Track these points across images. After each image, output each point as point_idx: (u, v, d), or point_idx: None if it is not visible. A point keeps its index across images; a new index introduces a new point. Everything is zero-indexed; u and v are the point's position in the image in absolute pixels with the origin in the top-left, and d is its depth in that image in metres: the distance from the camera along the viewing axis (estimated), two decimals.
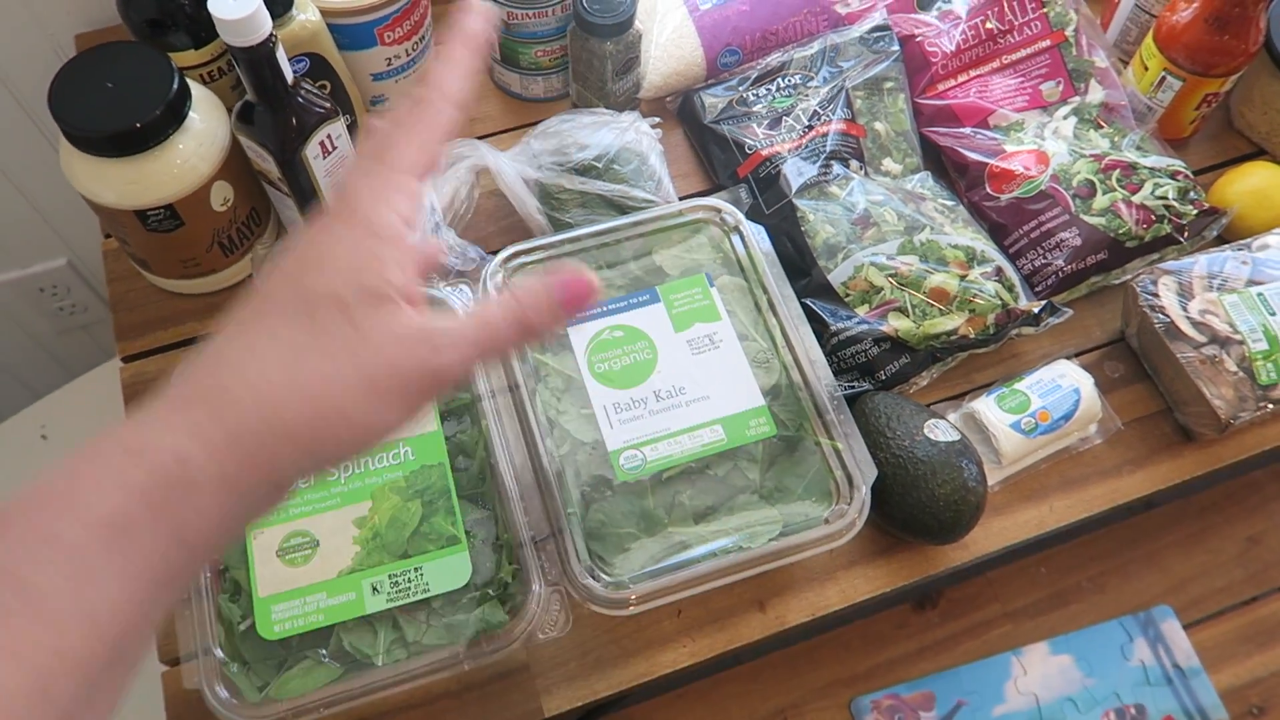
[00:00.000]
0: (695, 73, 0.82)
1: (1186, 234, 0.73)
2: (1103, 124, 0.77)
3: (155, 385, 0.65)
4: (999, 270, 0.70)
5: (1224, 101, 0.82)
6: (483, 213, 0.78)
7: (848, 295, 0.69)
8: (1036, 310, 0.69)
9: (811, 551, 0.58)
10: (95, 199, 0.64)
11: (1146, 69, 0.78)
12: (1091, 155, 0.74)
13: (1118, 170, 0.73)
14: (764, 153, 0.75)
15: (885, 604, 0.99)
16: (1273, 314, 0.67)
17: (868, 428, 0.64)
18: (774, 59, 0.81)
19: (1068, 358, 0.71)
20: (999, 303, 0.68)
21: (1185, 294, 0.69)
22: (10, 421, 1.06)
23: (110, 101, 0.61)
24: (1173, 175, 0.74)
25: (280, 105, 0.62)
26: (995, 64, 0.79)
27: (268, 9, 0.64)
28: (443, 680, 0.61)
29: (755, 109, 0.79)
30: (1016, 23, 0.79)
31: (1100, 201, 0.72)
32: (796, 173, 0.73)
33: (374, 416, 0.31)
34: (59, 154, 0.64)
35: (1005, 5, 0.79)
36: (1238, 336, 0.66)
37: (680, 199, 0.77)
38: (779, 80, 0.80)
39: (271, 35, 0.58)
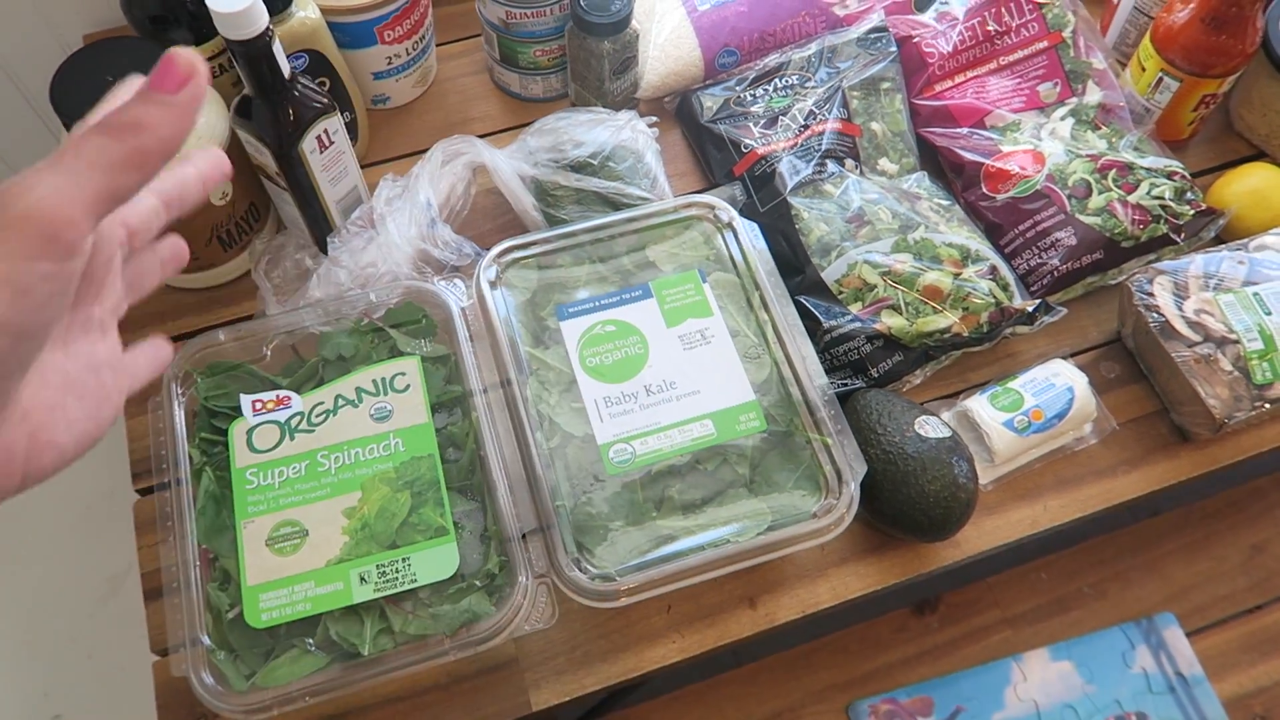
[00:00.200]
0: (693, 73, 0.82)
1: (1183, 234, 0.73)
2: (1100, 125, 0.77)
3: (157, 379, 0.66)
4: (993, 269, 0.70)
5: (1223, 103, 0.82)
6: (479, 210, 0.78)
7: (841, 293, 0.69)
8: (1031, 309, 0.69)
9: (800, 546, 0.58)
10: None
11: (1144, 70, 0.78)
12: (1088, 155, 0.74)
13: (1114, 170, 0.73)
14: (760, 151, 0.75)
15: (883, 608, 0.98)
16: (1269, 314, 0.66)
17: (859, 424, 0.64)
18: (772, 60, 0.81)
19: (1063, 357, 0.71)
20: (993, 301, 0.68)
21: (1180, 293, 0.68)
22: None
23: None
24: (1169, 176, 0.73)
25: (277, 99, 0.63)
26: (992, 65, 0.79)
27: (267, 5, 0.65)
28: (431, 672, 0.61)
29: (752, 109, 0.79)
30: (1014, 24, 0.79)
31: (1096, 201, 0.72)
32: (791, 171, 0.74)
33: None
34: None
35: (1003, 7, 0.79)
36: (1233, 336, 0.66)
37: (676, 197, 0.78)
38: (776, 81, 0.80)
39: (268, 29, 0.59)
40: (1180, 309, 0.67)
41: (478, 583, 0.57)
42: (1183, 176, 0.74)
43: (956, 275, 0.69)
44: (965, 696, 0.99)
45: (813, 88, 0.79)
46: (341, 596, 0.55)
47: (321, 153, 0.67)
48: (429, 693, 0.61)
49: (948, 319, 0.68)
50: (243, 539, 0.57)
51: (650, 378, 0.63)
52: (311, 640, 0.55)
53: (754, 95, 0.80)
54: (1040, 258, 0.72)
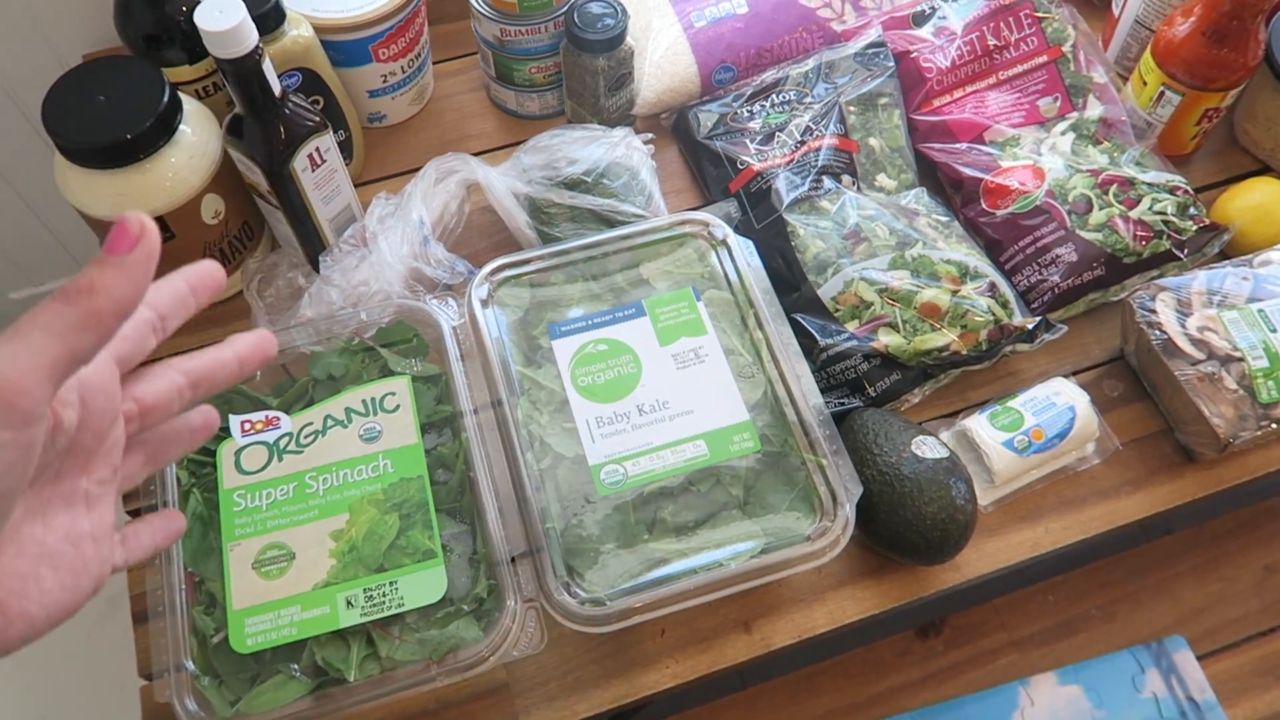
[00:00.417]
0: (690, 89, 0.82)
1: (1186, 250, 0.71)
2: (1102, 140, 0.76)
3: None
4: (992, 286, 0.69)
5: (1226, 117, 0.81)
6: (473, 227, 0.78)
7: (837, 310, 0.68)
8: (1031, 327, 0.68)
9: (794, 570, 0.56)
10: (87, 211, 0.65)
11: (1145, 84, 0.77)
12: (1089, 170, 0.73)
13: (1115, 185, 0.72)
14: (756, 168, 0.75)
15: (887, 630, 0.97)
16: (1274, 331, 0.65)
17: (855, 444, 0.63)
18: (769, 75, 0.81)
19: (1065, 376, 0.70)
20: (992, 319, 0.67)
21: (1184, 310, 0.67)
22: None
23: (102, 114, 0.62)
24: (1172, 191, 0.72)
25: (268, 118, 0.63)
26: (991, 79, 0.79)
27: (258, 23, 0.65)
28: (419, 698, 0.60)
29: (749, 125, 0.78)
30: (1013, 38, 0.78)
31: (1097, 217, 0.71)
32: (787, 187, 0.73)
33: None
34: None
35: (1001, 21, 0.78)
36: (1238, 354, 0.64)
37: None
38: (773, 96, 0.79)
39: (258, 48, 0.58)
40: (1183, 326, 0.66)
41: (466, 607, 0.56)
42: (1185, 191, 0.73)
43: (955, 292, 0.68)
44: None
45: (810, 103, 0.78)
46: (328, 621, 0.54)
47: (313, 171, 0.67)
48: (417, 718, 0.60)
49: (946, 337, 0.67)
50: (229, 562, 0.56)
51: (643, 397, 0.62)
52: (297, 666, 0.54)
53: (750, 111, 0.79)
54: (1041, 274, 0.71)
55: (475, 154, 0.83)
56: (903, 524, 0.59)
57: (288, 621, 0.55)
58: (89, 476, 0.35)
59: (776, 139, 0.77)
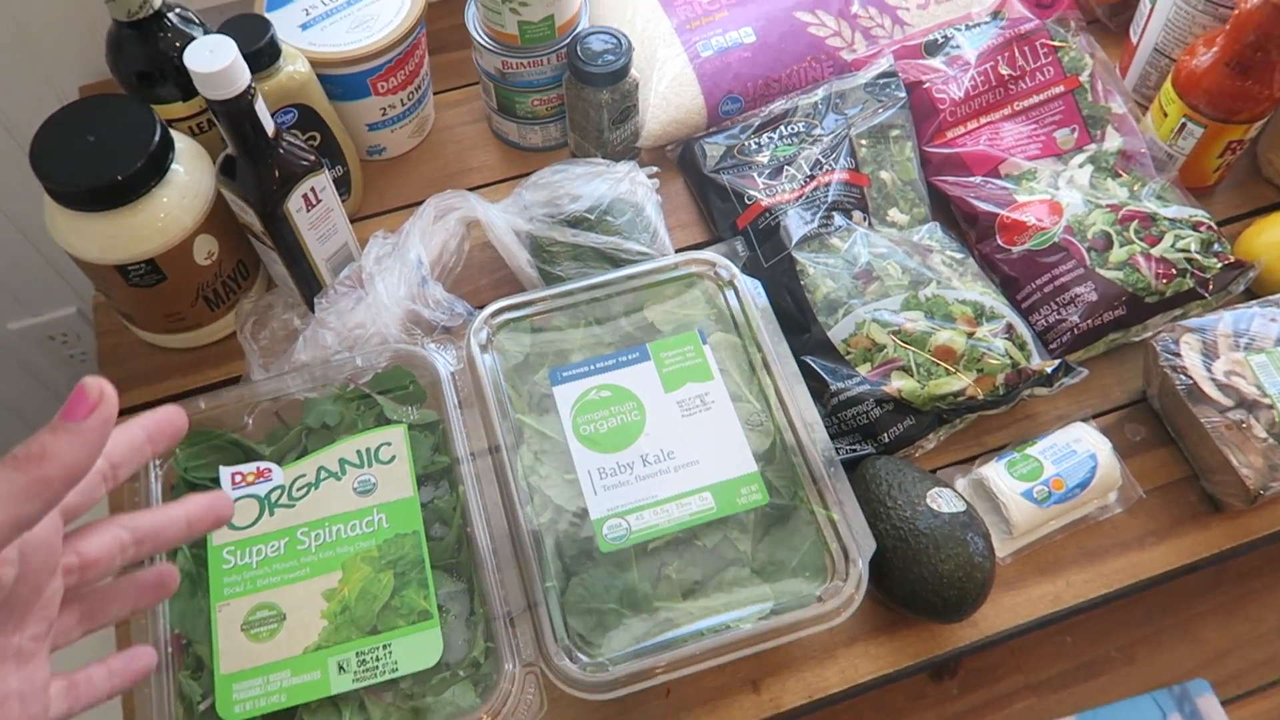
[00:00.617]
0: (696, 121, 0.80)
1: (1210, 288, 0.69)
2: (1121, 172, 0.74)
3: None
4: (1009, 327, 0.66)
5: (1250, 148, 0.78)
6: (474, 264, 0.76)
7: (849, 353, 0.66)
8: (1050, 370, 0.65)
9: (805, 632, 0.54)
10: (77, 254, 0.63)
11: (1166, 115, 0.74)
12: (1108, 205, 0.70)
13: (1136, 221, 0.70)
14: (764, 203, 0.72)
15: (900, 673, 0.93)
16: None
17: (867, 495, 0.61)
18: (777, 106, 0.78)
19: (1084, 420, 0.67)
20: (1009, 362, 0.65)
21: (1209, 353, 0.64)
22: None
23: (92, 155, 0.61)
24: (1195, 226, 0.70)
25: (261, 158, 0.61)
26: (1006, 110, 0.76)
27: (252, 61, 0.63)
28: None
29: (757, 158, 0.76)
30: (1029, 68, 0.76)
31: (1117, 254, 0.69)
32: (797, 224, 0.71)
33: None
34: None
35: (1016, 50, 0.76)
36: (1266, 400, 0.62)
37: (677, 250, 0.75)
38: (782, 128, 0.77)
39: (250, 88, 0.57)
40: (1209, 370, 0.64)
41: (462, 672, 0.54)
42: (1209, 227, 0.70)
43: (970, 334, 0.65)
44: None
45: (819, 135, 0.76)
46: (319, 687, 0.52)
47: (308, 211, 0.65)
48: None
49: (961, 381, 0.64)
50: (217, 624, 0.54)
51: (647, 447, 0.60)
52: None
53: (758, 143, 0.77)
54: (1059, 314, 0.69)
55: (476, 187, 0.81)
56: (918, 582, 0.57)
57: (277, 687, 0.52)
58: (22, 633, 0.33)
59: (785, 173, 0.74)
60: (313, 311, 0.70)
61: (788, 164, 0.75)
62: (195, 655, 0.54)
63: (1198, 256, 0.69)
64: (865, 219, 0.73)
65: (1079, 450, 0.63)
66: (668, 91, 0.79)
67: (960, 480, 0.66)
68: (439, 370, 0.63)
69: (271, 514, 0.58)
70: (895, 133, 0.76)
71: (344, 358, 0.64)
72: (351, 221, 0.79)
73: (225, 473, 0.59)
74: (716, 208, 0.76)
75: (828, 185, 0.72)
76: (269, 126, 0.60)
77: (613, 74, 0.71)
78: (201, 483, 0.60)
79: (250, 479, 0.59)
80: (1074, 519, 0.64)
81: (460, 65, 0.88)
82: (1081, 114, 0.76)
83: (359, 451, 0.60)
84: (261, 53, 0.64)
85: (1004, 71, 0.76)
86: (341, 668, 0.53)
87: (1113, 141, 0.75)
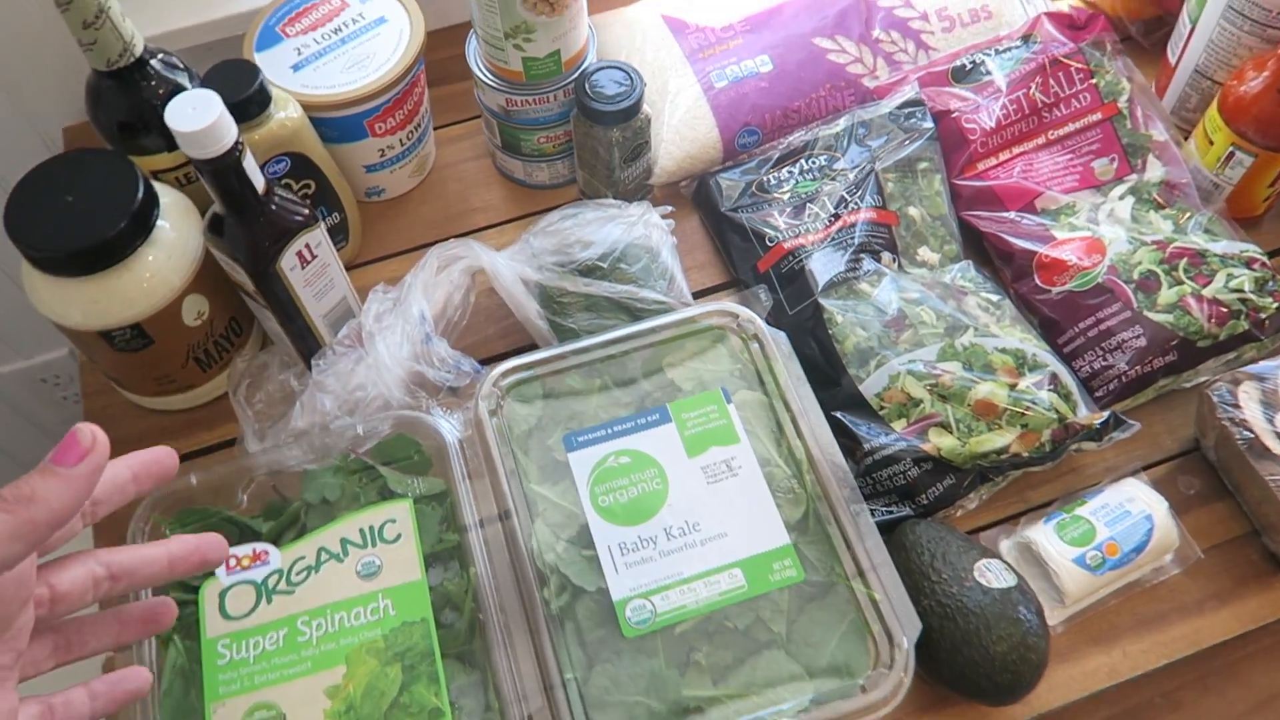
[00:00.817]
0: (711, 155, 0.75)
1: (1266, 329, 0.65)
2: (1164, 204, 0.70)
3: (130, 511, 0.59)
4: (1054, 377, 0.62)
5: None
6: (480, 311, 0.72)
7: (883, 408, 0.62)
8: (1098, 424, 0.61)
9: None
10: (58, 321, 0.59)
11: (1212, 143, 0.70)
12: (1154, 242, 0.66)
13: (1185, 259, 0.65)
14: (787, 245, 0.68)
15: None
16: None
17: (908, 566, 0.56)
18: (796, 138, 0.74)
19: (1134, 472, 0.63)
20: (1055, 417, 0.60)
21: (1270, 403, 0.60)
22: None
23: (71, 217, 0.57)
24: (1248, 263, 0.66)
25: (251, 216, 0.57)
26: (1040, 140, 0.72)
27: (240, 110, 0.59)
28: None
29: (776, 194, 0.72)
30: (1063, 94, 0.72)
31: (1166, 296, 0.64)
32: (823, 268, 0.66)
33: None
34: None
35: (1051, 76, 0.72)
36: None
37: (695, 294, 0.71)
38: (802, 162, 0.73)
39: (237, 144, 0.53)
40: (1272, 423, 0.59)
41: None
42: (1263, 264, 0.66)
43: (1012, 386, 0.61)
44: None
45: (843, 170, 0.72)
46: None
47: (303, 268, 0.61)
48: None
49: (1004, 437, 0.60)
50: None
51: (670, 518, 0.56)
52: None
53: (778, 178, 0.73)
54: (1105, 360, 0.64)
55: (481, 228, 0.77)
56: (967, 665, 0.53)
57: None
58: None
59: (808, 211, 0.70)
60: (310, 371, 0.66)
61: (810, 201, 0.71)
62: None
63: (1252, 296, 0.64)
64: (895, 260, 0.68)
65: (1133, 511, 0.59)
66: (681, 125, 0.75)
67: (1004, 542, 0.61)
68: (445, 437, 0.59)
69: (269, 602, 0.54)
70: (923, 165, 0.72)
71: (344, 424, 0.60)
72: (350, 268, 0.75)
73: None
74: (736, 248, 0.72)
75: (854, 225, 0.68)
76: (259, 183, 0.56)
77: (623, 112, 0.67)
78: None
79: (246, 563, 0.55)
80: (1128, 581, 0.60)
81: (461, 98, 0.84)
82: (1121, 142, 0.71)
83: (362, 530, 0.56)
84: (250, 101, 0.60)
85: (1037, 99, 0.72)
86: None
87: (1154, 171, 0.71)
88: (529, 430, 0.60)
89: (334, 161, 0.70)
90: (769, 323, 0.63)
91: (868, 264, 0.67)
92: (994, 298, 0.67)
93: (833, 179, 0.72)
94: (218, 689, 0.51)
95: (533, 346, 0.71)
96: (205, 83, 0.59)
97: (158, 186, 0.61)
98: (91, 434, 0.31)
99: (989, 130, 0.71)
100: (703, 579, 0.54)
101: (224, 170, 0.53)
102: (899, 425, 0.61)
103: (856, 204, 0.69)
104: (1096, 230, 0.68)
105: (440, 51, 0.83)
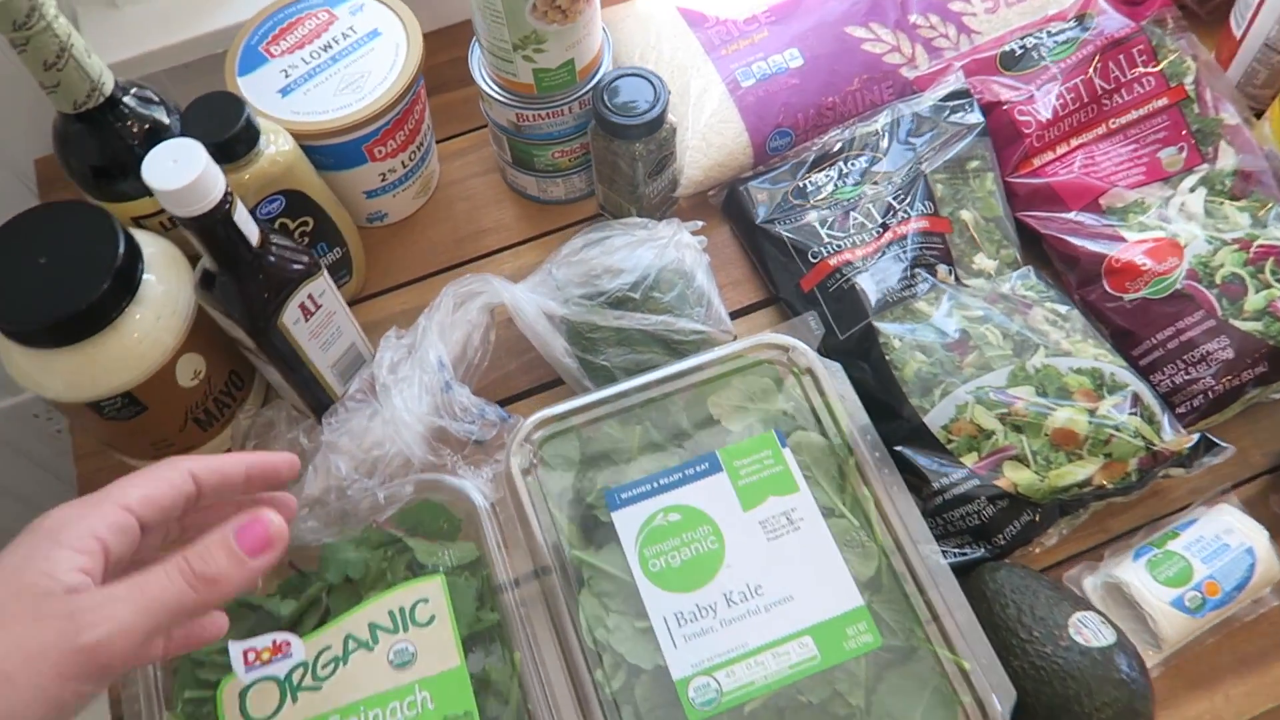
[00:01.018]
0: (741, 161, 0.69)
1: None
2: (1239, 195, 0.64)
3: None
4: (1136, 398, 0.57)
5: None
6: (500, 344, 0.66)
7: (950, 441, 0.56)
8: (1188, 448, 0.56)
9: None
10: (40, 393, 0.54)
11: None
12: (1235, 241, 0.60)
13: (1271, 259, 0.60)
14: (832, 262, 0.62)
15: None
16: None
17: (992, 620, 0.51)
18: (833, 137, 0.68)
19: (1222, 493, 0.58)
20: (1142, 444, 0.55)
21: None
22: None
23: (46, 282, 0.51)
24: None
25: (246, 272, 0.51)
26: (1100, 130, 0.66)
27: (227, 151, 0.53)
28: None
29: (815, 201, 0.66)
30: (1124, 79, 0.66)
31: (1254, 301, 0.59)
32: (874, 287, 0.61)
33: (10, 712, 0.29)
34: None
35: (1110, 60, 0.66)
36: None
37: (732, 314, 0.65)
38: (840, 164, 0.67)
39: (226, 196, 0.47)
40: None
41: None
42: None
43: (1092, 411, 0.56)
44: None
45: (886, 172, 0.66)
46: None
47: (307, 321, 0.55)
48: None
49: (1087, 468, 0.55)
50: None
51: (730, 582, 0.51)
52: None
53: (815, 184, 0.67)
54: (1188, 373, 0.59)
55: (494, 251, 0.72)
56: None
57: None
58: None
59: (851, 220, 0.64)
60: (320, 424, 0.60)
61: (852, 209, 0.65)
62: None
63: None
64: (951, 272, 0.63)
65: (1232, 544, 0.54)
66: (707, 130, 0.68)
67: (1088, 580, 0.56)
68: (475, 501, 0.53)
69: (295, 700, 0.49)
70: (974, 164, 0.66)
71: (362, 488, 0.55)
72: (355, 302, 0.69)
73: (236, 650, 0.49)
74: (775, 264, 0.66)
75: (904, 237, 0.62)
76: (253, 236, 0.50)
77: (647, 125, 0.61)
78: (207, 658, 0.51)
79: (266, 656, 0.49)
80: (1225, 618, 0.55)
81: (463, 107, 0.77)
82: (1189, 129, 0.65)
83: (391, 612, 0.51)
84: (236, 139, 0.53)
85: (1097, 85, 0.65)
86: None
87: (1227, 159, 0.65)
88: (566, 488, 0.54)
89: (332, 191, 0.64)
90: (821, 353, 0.57)
91: (923, 280, 0.61)
92: (1062, 309, 0.61)
93: (875, 183, 0.66)
94: None
95: (558, 382, 0.66)
96: (185, 122, 0.53)
97: (140, 235, 0.55)
98: (280, 531, 0.35)
99: (1045, 122, 0.65)
100: (770, 650, 0.49)
101: (212, 226, 0.47)
102: (969, 460, 0.56)
103: (906, 212, 0.63)
104: (1169, 229, 0.62)
105: (437, 56, 0.76)
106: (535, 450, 0.55)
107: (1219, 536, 0.54)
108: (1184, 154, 0.65)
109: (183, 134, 0.54)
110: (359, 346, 0.61)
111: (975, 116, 0.66)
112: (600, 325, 0.60)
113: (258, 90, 0.61)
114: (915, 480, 0.56)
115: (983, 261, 0.64)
